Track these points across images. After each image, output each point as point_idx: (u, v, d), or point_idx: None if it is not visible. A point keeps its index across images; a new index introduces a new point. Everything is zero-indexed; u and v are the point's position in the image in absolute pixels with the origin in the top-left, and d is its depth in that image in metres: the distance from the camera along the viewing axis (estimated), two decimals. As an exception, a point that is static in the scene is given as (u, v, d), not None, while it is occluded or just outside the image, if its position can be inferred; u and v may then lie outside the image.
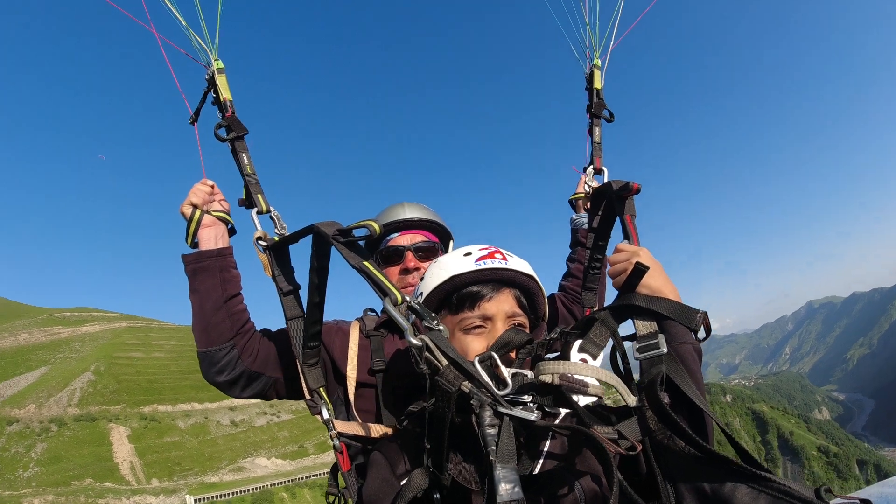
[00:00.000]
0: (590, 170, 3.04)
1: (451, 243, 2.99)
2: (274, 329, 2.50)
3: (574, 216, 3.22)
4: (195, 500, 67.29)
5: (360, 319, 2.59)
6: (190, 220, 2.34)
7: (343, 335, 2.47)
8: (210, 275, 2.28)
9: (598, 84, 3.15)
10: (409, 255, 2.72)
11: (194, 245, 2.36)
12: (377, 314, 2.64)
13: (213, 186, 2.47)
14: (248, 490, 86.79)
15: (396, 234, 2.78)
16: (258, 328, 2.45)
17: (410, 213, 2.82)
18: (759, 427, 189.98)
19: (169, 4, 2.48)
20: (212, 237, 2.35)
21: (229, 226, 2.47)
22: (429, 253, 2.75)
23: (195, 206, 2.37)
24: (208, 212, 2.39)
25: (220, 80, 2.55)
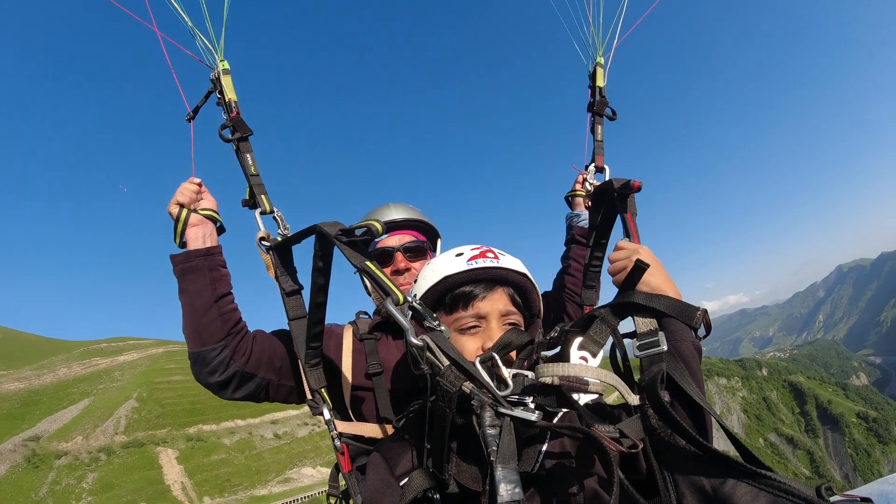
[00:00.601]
0: (591, 168, 3.06)
1: (440, 241, 3.01)
2: (268, 330, 2.52)
3: (570, 213, 3.24)
4: (248, 515, 68.48)
5: (353, 323, 2.61)
6: (177, 220, 2.32)
7: (336, 339, 2.48)
8: (199, 274, 2.27)
9: (600, 82, 3.17)
10: (399, 255, 2.73)
11: (182, 245, 2.35)
12: (369, 317, 2.66)
13: (200, 185, 2.46)
14: (297, 500, 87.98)
15: (384, 236, 2.80)
16: (255, 328, 2.46)
17: (396, 213, 2.83)
18: (798, 398, 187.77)
19: (176, 5, 2.52)
20: (200, 236, 2.34)
21: (218, 224, 2.46)
22: (418, 253, 2.77)
23: (182, 206, 2.36)
24: (195, 210, 2.38)
25: (226, 81, 2.57)
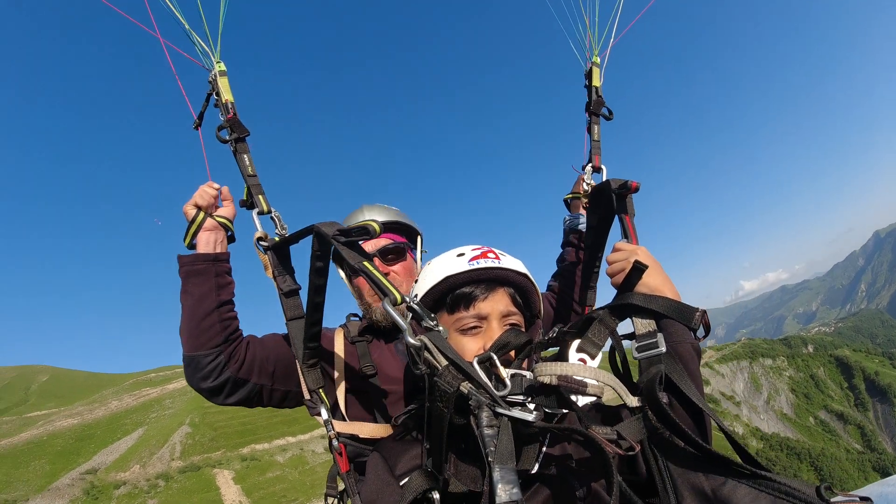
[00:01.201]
0: (588, 168, 3.01)
1: (420, 239, 2.90)
2: (260, 336, 2.49)
3: (567, 216, 3.17)
4: (309, 529, 70.08)
5: (344, 326, 2.60)
6: (192, 222, 2.31)
7: (328, 342, 2.45)
8: (205, 278, 2.25)
9: (596, 82, 3.15)
10: (376, 260, 2.64)
11: (191, 247, 2.34)
12: (360, 319, 2.65)
13: (219, 189, 2.45)
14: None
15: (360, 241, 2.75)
16: (247, 333, 2.43)
17: (370, 216, 2.73)
18: (845, 373, 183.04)
19: (172, 7, 2.50)
20: (211, 241, 2.33)
21: (229, 233, 2.44)
22: (396, 254, 2.69)
23: (199, 208, 2.35)
24: (211, 215, 2.37)
25: (223, 83, 2.56)
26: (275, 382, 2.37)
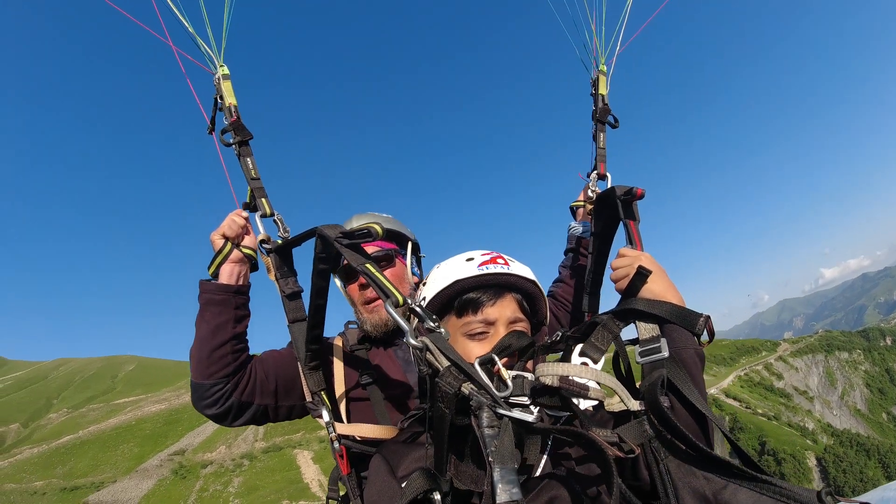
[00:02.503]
0: (593, 175, 3.00)
1: (410, 245, 2.84)
2: (260, 354, 2.47)
3: (572, 223, 3.14)
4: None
5: (343, 334, 2.61)
6: (219, 252, 2.31)
7: (327, 350, 2.46)
8: (224, 309, 2.25)
9: (603, 90, 3.14)
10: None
11: (215, 276, 2.33)
12: (358, 327, 2.64)
13: (247, 219, 2.45)
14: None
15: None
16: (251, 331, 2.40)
17: (362, 224, 2.54)
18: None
19: (177, 12, 2.51)
20: (234, 273, 2.33)
21: (252, 261, 2.43)
22: (385, 261, 2.65)
23: (226, 238, 2.34)
24: (238, 246, 2.37)
25: (226, 86, 2.57)
26: (278, 400, 2.39)
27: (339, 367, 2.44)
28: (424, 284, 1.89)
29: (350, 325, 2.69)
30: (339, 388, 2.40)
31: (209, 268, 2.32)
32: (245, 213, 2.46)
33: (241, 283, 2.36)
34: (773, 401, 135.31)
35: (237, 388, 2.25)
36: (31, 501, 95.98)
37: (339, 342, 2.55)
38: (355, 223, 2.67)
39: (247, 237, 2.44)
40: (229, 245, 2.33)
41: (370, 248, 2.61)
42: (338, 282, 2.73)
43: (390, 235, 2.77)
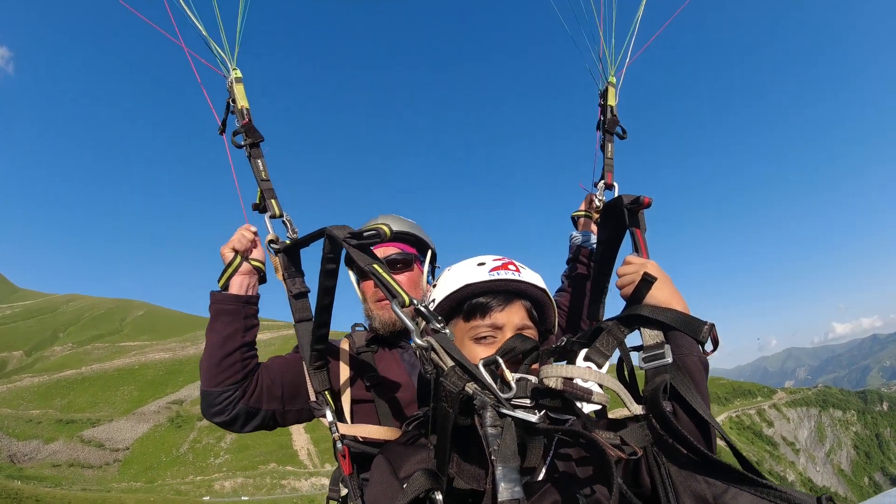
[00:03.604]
0: (601, 185, 2.99)
1: (430, 253, 2.88)
2: (266, 361, 2.48)
3: (574, 233, 3.13)
4: (362, 483, 75.95)
5: (349, 336, 2.62)
6: (229, 265, 2.34)
7: (333, 352, 2.48)
8: (233, 319, 2.29)
9: (612, 101, 3.15)
10: None
11: (225, 288, 2.36)
12: (365, 329, 2.68)
13: (255, 233, 2.47)
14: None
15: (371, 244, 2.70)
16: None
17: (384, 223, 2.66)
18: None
19: (191, 15, 2.55)
20: (245, 285, 2.37)
21: (261, 274, 2.46)
22: (404, 264, 2.69)
23: (236, 252, 2.37)
24: (247, 259, 2.40)
25: (238, 89, 2.61)
26: (285, 405, 2.41)
27: (344, 369, 2.46)
28: (435, 286, 1.90)
29: (357, 328, 2.69)
30: (345, 389, 2.41)
31: (220, 280, 2.37)
32: (254, 228, 2.50)
33: (250, 293, 2.41)
34: (759, 447, 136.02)
35: (244, 394, 2.28)
36: (25, 428, 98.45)
37: (345, 345, 2.55)
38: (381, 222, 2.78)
39: (255, 250, 2.48)
40: (239, 258, 2.37)
41: (391, 250, 2.69)
42: (352, 276, 2.81)
43: (412, 240, 2.80)
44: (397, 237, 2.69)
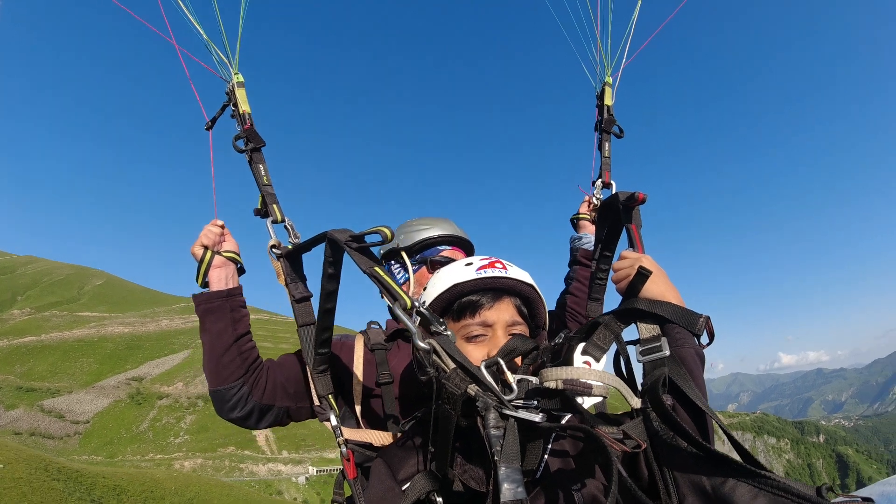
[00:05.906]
0: (598, 184, 3.03)
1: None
2: (277, 359, 2.48)
3: (574, 235, 3.17)
4: (317, 471, 75.07)
5: (364, 333, 2.57)
6: (201, 262, 2.33)
7: (348, 350, 2.46)
8: (220, 315, 2.27)
9: (609, 101, 3.18)
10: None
11: (204, 285, 2.36)
12: (381, 327, 2.61)
13: (223, 227, 2.46)
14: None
15: (448, 248, 2.78)
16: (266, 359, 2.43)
17: (452, 230, 2.83)
18: (841, 470, 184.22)
19: (193, 21, 2.55)
20: (222, 278, 2.35)
21: (238, 265, 2.44)
22: None
23: (206, 248, 2.36)
24: (219, 252, 2.38)
25: (240, 94, 2.59)
26: (297, 402, 2.41)
27: (357, 367, 2.41)
28: (425, 289, 1.90)
29: (372, 325, 2.61)
30: (357, 387, 2.38)
31: (197, 279, 2.35)
32: (220, 222, 2.48)
33: (231, 285, 2.38)
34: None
35: (254, 389, 2.28)
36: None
37: (359, 342, 2.49)
38: (451, 228, 2.86)
39: (225, 243, 2.47)
40: (210, 253, 2.36)
41: (459, 254, 2.82)
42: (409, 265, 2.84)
43: (464, 245, 2.89)
44: (451, 241, 2.84)
